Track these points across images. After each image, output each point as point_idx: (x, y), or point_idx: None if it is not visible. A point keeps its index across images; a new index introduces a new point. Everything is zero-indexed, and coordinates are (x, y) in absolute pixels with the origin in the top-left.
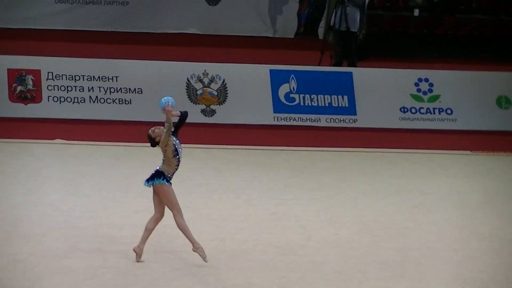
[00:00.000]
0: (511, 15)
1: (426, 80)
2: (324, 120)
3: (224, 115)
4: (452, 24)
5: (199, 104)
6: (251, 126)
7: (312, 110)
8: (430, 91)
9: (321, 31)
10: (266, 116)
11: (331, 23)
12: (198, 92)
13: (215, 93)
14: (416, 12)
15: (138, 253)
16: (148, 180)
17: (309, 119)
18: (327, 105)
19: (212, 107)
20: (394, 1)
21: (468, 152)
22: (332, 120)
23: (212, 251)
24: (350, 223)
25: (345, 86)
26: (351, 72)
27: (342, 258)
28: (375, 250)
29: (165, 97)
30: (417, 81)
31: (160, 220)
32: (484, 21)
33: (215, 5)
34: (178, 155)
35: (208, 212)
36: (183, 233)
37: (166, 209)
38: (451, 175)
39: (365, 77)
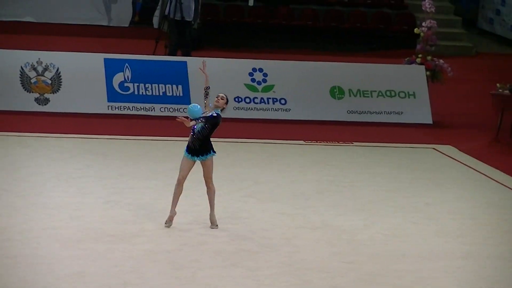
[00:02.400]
0: (345, 6)
1: (261, 70)
2: (158, 109)
3: (58, 103)
4: (287, 15)
5: (33, 92)
6: (85, 115)
7: (147, 99)
8: (264, 81)
9: (156, 20)
10: (100, 105)
11: (166, 12)
12: (32, 81)
13: (49, 81)
14: (251, 2)
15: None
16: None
17: (143, 108)
18: (161, 94)
19: (46, 95)
20: None
21: (302, 142)
22: (166, 109)
23: (45, 240)
24: (184, 212)
25: (180, 76)
26: (186, 62)
27: (176, 247)
28: (209, 239)
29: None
30: (251, 71)
31: (207, 186)
32: (318, 12)
33: None
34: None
35: (42, 200)
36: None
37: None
38: (285, 165)
39: (199, 66)
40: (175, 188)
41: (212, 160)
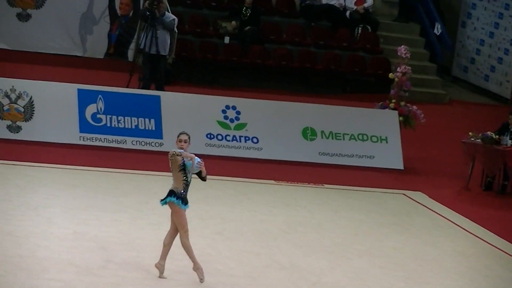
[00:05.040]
0: (319, 48)
1: (234, 107)
2: (130, 142)
3: (30, 132)
4: (261, 54)
5: (5, 119)
6: (56, 145)
7: (119, 132)
8: (237, 119)
9: (130, 53)
10: (72, 135)
11: (141, 46)
12: (5, 108)
13: (22, 109)
14: (226, 40)
15: (160, 269)
16: (162, 199)
17: (115, 141)
18: (133, 127)
19: (18, 123)
20: (204, 28)
21: (272, 181)
22: (138, 142)
23: (11, 268)
24: (151, 247)
25: (152, 110)
26: (159, 96)
27: (142, 281)
28: (176, 276)
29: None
30: (224, 108)
31: (175, 235)
32: (292, 53)
33: (26, 21)
34: (185, 171)
35: (9, 228)
36: (186, 252)
37: None
38: (254, 203)
39: (172, 101)
40: (189, 242)
41: None
